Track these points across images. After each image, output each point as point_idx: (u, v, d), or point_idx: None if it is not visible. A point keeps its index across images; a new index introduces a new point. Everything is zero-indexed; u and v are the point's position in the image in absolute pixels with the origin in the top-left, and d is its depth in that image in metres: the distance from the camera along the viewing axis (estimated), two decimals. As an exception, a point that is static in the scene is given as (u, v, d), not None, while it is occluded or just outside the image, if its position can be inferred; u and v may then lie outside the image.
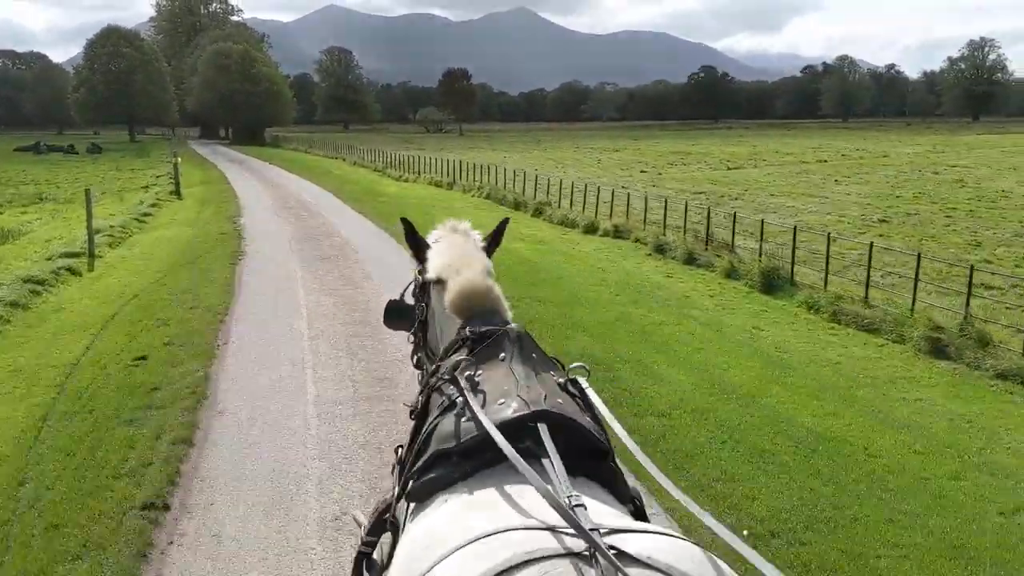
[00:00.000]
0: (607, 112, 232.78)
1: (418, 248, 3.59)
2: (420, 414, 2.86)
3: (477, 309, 3.06)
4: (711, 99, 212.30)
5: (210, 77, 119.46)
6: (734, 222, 22.77)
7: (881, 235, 28.01)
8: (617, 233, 25.11)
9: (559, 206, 31.23)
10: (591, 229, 26.46)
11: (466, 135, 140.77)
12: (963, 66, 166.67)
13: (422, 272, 3.48)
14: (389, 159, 60.86)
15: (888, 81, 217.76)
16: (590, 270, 19.61)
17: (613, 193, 29.70)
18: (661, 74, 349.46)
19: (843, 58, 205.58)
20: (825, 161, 65.47)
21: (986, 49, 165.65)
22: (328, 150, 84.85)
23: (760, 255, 19.37)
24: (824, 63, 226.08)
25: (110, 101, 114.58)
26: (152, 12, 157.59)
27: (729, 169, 60.18)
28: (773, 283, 18.04)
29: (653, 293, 17.44)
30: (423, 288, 3.46)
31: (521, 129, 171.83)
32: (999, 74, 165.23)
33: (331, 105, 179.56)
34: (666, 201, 27.07)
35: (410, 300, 3.66)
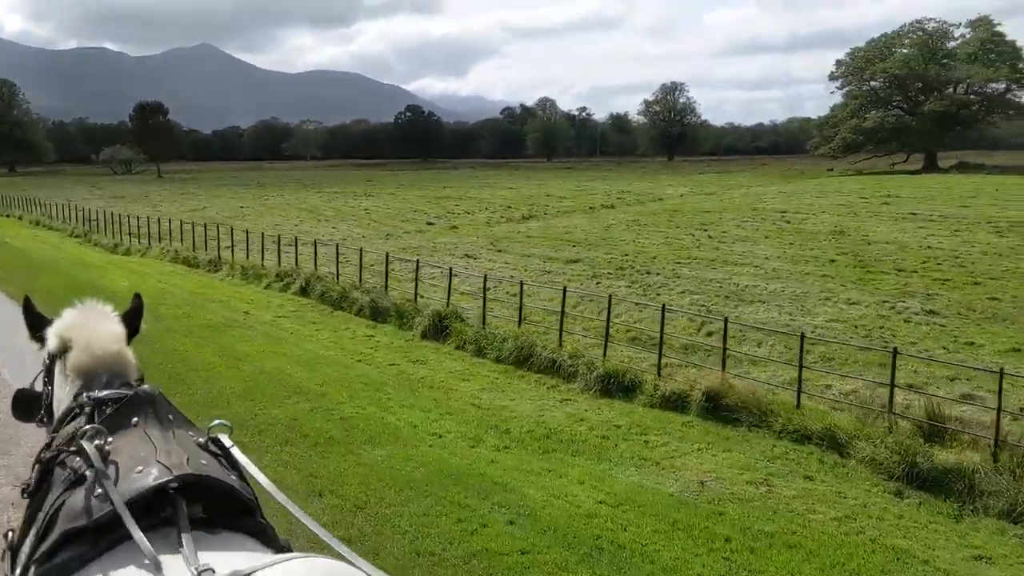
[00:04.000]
0: (310, 151, 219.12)
1: (37, 326, 3.18)
2: (36, 491, 2.44)
3: (100, 372, 2.79)
4: (419, 139, 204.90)
5: None
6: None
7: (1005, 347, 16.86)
8: (667, 399, 11.57)
9: (465, 319, 16.83)
10: (604, 386, 12.58)
11: (166, 177, 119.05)
12: (657, 108, 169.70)
13: (48, 349, 3.08)
14: (92, 218, 41.79)
15: (581, 123, 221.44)
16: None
17: (523, 286, 16.71)
18: (357, 113, 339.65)
19: (543, 100, 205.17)
20: (612, 207, 56.31)
21: (676, 93, 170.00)
22: (-6, 203, 61.90)
23: None
24: (522, 105, 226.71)
25: None
26: None
27: (524, 219, 49.06)
28: None
29: None
30: (49, 369, 3.11)
31: (224, 169, 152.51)
32: (690, 116, 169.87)
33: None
34: (609, 299, 14.66)
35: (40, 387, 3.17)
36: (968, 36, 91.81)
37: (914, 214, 42.81)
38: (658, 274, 25.89)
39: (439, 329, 16.55)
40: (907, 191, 58.68)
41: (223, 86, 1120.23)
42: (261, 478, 2.37)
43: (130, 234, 35.86)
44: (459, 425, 11.29)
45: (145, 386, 2.69)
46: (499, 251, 32.25)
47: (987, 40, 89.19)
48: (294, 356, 14.87)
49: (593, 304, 20.83)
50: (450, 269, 17.59)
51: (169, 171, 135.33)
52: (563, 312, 14.39)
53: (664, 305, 15.48)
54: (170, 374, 13.02)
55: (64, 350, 2.93)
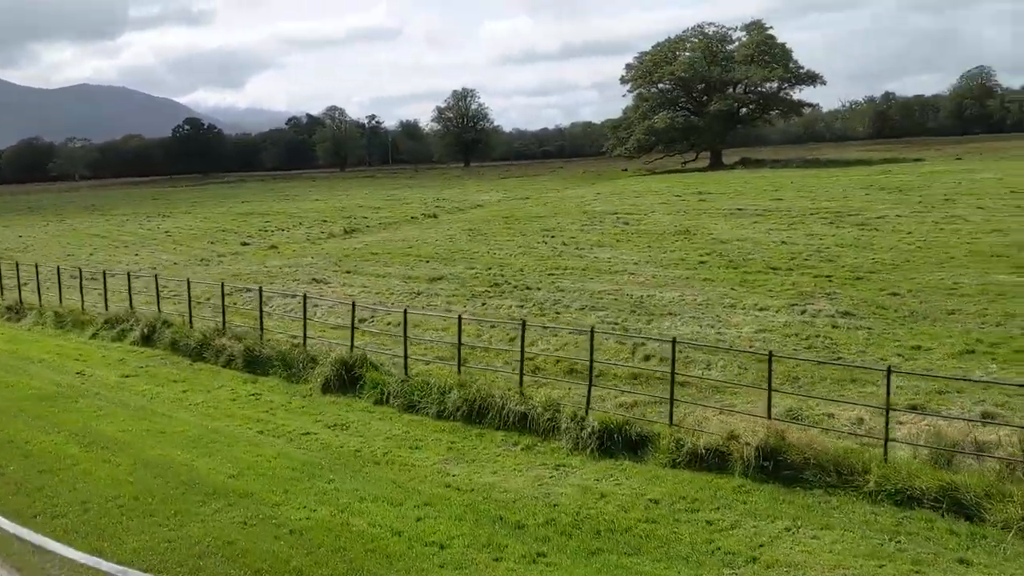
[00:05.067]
0: (79, 170, 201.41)
1: None
2: None
3: None
4: (200, 152, 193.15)
5: None
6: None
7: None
8: (698, 456, 9.23)
9: (378, 366, 13.71)
10: (602, 444, 10.07)
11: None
12: (451, 115, 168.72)
13: None
14: None
15: (372, 131, 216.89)
16: None
17: (461, 320, 13.59)
18: (128, 129, 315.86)
19: (332, 109, 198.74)
20: (435, 216, 53.89)
21: (468, 99, 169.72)
22: None
23: None
24: (308, 115, 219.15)
25: None
26: None
27: (347, 233, 45.85)
28: None
29: None
30: None
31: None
32: (483, 122, 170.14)
33: None
34: (592, 332, 12.57)
35: None
36: (744, 39, 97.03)
37: (740, 209, 43.25)
38: (539, 288, 23.67)
39: (346, 380, 13.39)
40: (712, 188, 60.06)
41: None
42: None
43: None
44: (453, 523, 8.38)
45: None
46: (348, 272, 28.87)
47: (761, 43, 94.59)
48: (178, 435, 11.24)
49: (496, 331, 18.25)
50: (352, 303, 14.35)
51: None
52: (523, 351, 11.67)
53: (660, 334, 13.18)
54: (14, 483, 9.15)
55: None
